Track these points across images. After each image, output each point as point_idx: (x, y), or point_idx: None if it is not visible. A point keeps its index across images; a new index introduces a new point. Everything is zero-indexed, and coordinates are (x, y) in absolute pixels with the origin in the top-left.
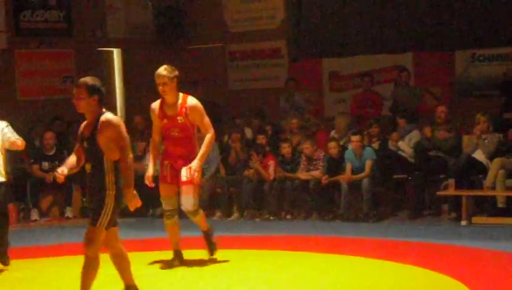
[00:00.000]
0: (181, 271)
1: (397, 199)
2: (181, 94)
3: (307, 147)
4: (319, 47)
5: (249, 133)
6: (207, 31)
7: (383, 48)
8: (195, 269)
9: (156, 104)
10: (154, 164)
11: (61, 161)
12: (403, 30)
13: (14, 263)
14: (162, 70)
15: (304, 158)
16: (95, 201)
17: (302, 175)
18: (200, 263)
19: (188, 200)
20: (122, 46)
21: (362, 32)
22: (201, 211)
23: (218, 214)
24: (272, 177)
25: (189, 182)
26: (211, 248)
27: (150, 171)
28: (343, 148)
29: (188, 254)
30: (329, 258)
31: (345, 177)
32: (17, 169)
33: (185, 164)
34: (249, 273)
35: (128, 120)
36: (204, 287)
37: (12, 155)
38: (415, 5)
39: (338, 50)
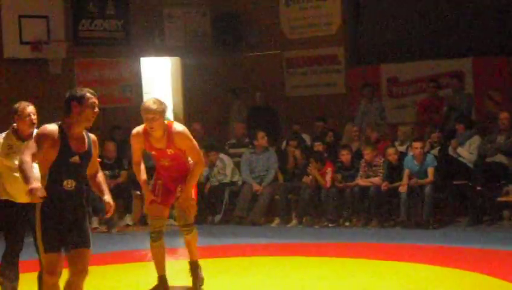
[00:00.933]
0: (244, 279)
1: (457, 205)
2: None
3: (367, 153)
4: (377, 53)
5: (307, 139)
6: (264, 38)
7: (442, 53)
8: (256, 277)
9: (139, 133)
10: (148, 189)
11: (121, 169)
12: (462, 35)
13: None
14: (151, 104)
15: (363, 164)
16: (82, 220)
17: (361, 181)
18: (260, 270)
19: (184, 213)
20: (180, 54)
21: (421, 37)
22: (195, 231)
23: (276, 221)
24: (329, 185)
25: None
26: (198, 282)
27: (149, 196)
28: (403, 154)
29: (245, 261)
30: (389, 265)
31: (402, 189)
32: None
33: (180, 183)
34: (308, 281)
35: (187, 128)
36: None
37: None
38: (474, 10)
39: (396, 55)
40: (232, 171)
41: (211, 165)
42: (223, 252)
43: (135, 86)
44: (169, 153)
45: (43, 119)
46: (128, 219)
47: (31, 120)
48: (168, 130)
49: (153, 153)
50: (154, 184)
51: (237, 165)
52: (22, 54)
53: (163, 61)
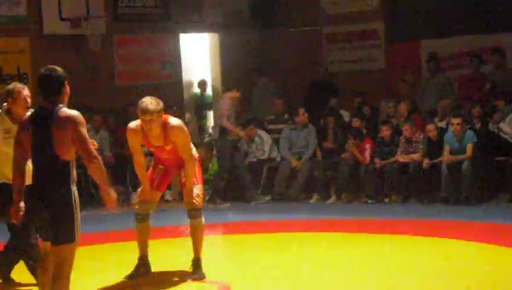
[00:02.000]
0: (283, 254)
1: (498, 181)
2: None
3: (406, 129)
4: (417, 28)
5: (346, 115)
6: (303, 14)
7: (483, 28)
8: (296, 252)
9: (137, 129)
10: (147, 183)
11: None
12: (504, 10)
13: (116, 246)
14: (148, 105)
15: (402, 140)
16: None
17: (401, 158)
18: (300, 247)
19: (191, 199)
20: (218, 30)
21: (461, 12)
22: (202, 220)
23: (315, 197)
24: (367, 161)
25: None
26: (198, 276)
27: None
28: (442, 130)
29: (285, 237)
30: (429, 241)
31: (444, 159)
32: (118, 153)
33: (182, 168)
34: (347, 258)
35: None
36: (306, 268)
37: (113, 140)
38: None
39: (436, 31)
40: (270, 148)
41: (249, 141)
42: (262, 228)
43: (174, 62)
44: (168, 149)
45: (81, 96)
46: (168, 195)
47: (27, 104)
48: (164, 126)
49: (152, 149)
50: (153, 167)
51: (276, 141)
52: (61, 31)
53: (201, 38)
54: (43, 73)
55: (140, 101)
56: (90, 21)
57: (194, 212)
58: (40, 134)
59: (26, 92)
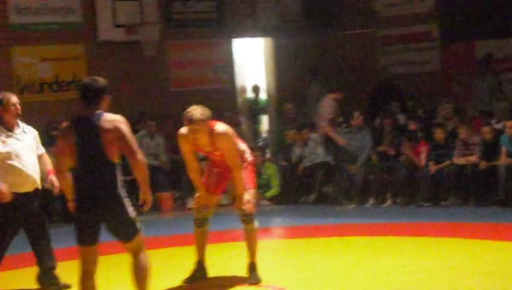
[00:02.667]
0: (339, 258)
1: None
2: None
3: (462, 132)
4: (472, 29)
5: (401, 118)
6: (357, 17)
7: None
8: (352, 257)
9: (187, 135)
10: (203, 188)
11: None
12: None
13: (170, 251)
14: (194, 114)
15: (459, 143)
16: None
17: (457, 160)
18: (356, 251)
19: (244, 204)
20: (272, 35)
21: None
22: (255, 225)
23: (371, 201)
24: (423, 164)
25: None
26: (254, 280)
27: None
28: (499, 132)
29: (341, 241)
30: (487, 244)
31: (501, 162)
32: (173, 158)
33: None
34: (403, 261)
35: (279, 108)
36: (363, 272)
37: (169, 145)
38: None
39: (492, 32)
40: (324, 151)
41: (303, 145)
42: (317, 232)
43: (227, 67)
44: (217, 154)
45: (137, 101)
46: (224, 199)
47: (17, 110)
48: (210, 133)
49: (203, 153)
50: (208, 171)
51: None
52: (116, 37)
53: (255, 42)
54: (85, 82)
55: (186, 111)
56: (144, 27)
57: (245, 218)
58: (88, 140)
59: (15, 99)
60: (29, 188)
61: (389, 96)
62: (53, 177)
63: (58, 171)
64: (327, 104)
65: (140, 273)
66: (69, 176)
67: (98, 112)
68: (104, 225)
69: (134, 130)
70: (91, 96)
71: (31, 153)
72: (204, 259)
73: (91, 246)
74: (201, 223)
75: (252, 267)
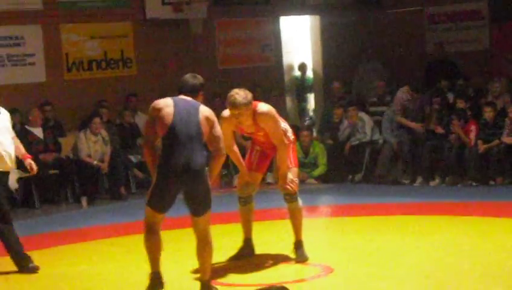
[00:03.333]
0: (384, 236)
1: None
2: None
3: (511, 111)
4: None
5: (451, 97)
6: None
7: None
8: (399, 235)
9: (230, 117)
10: (244, 166)
11: None
12: None
13: (220, 228)
14: (237, 98)
15: (508, 122)
16: None
17: (507, 140)
18: (403, 229)
19: (287, 183)
20: (319, 13)
21: None
22: (299, 203)
23: (419, 180)
24: (472, 143)
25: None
26: (301, 257)
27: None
28: None
29: (388, 220)
30: None
31: None
32: None
33: (273, 152)
34: (451, 241)
35: (326, 86)
36: (409, 251)
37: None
38: None
39: None
40: (372, 130)
41: (351, 124)
42: (363, 211)
43: (274, 45)
44: (261, 135)
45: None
46: (269, 177)
47: None
48: (253, 113)
49: (247, 134)
50: (251, 149)
51: (378, 123)
52: (163, 15)
53: (302, 20)
54: (185, 78)
55: (228, 95)
56: (191, 5)
57: (288, 197)
58: (188, 116)
59: None
60: (4, 168)
61: (443, 73)
62: (31, 161)
63: (147, 141)
64: (400, 96)
65: (205, 247)
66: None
67: (197, 102)
68: (185, 194)
69: None
70: (189, 91)
71: (7, 133)
72: (251, 236)
73: (163, 213)
74: (245, 201)
75: (298, 245)
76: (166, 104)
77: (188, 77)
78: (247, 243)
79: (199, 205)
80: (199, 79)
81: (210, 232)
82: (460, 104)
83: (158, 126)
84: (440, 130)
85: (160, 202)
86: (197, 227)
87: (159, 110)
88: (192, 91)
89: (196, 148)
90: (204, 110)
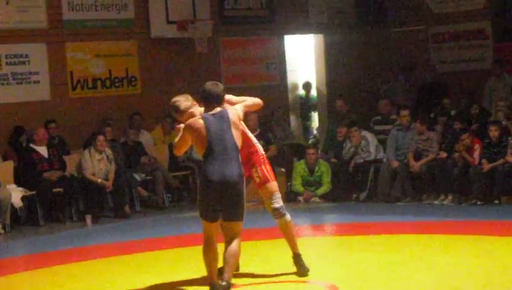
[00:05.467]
0: (388, 255)
1: None
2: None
3: None
4: None
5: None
6: (409, 13)
7: None
8: (404, 254)
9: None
10: None
11: (269, 143)
12: None
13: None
14: (180, 104)
15: (511, 141)
16: None
17: (511, 158)
18: (407, 248)
19: (269, 198)
20: (323, 31)
21: None
22: (288, 218)
23: (423, 198)
24: (476, 162)
25: (265, 180)
26: (302, 270)
27: None
28: None
29: (392, 238)
30: None
31: None
32: None
33: (249, 170)
34: (455, 260)
35: (330, 105)
36: (413, 270)
37: None
38: None
39: None
40: (376, 149)
41: (355, 142)
42: (368, 230)
43: (279, 64)
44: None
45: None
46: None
47: None
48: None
49: None
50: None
51: (383, 142)
52: (168, 33)
53: (306, 39)
54: (208, 88)
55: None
56: (196, 24)
57: (276, 213)
58: (222, 130)
59: None
60: None
61: (436, 94)
62: None
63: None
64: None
65: (232, 256)
66: None
67: (224, 109)
68: (222, 203)
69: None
70: (214, 100)
71: None
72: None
73: (214, 222)
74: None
75: (297, 258)
76: (200, 128)
77: (211, 86)
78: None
79: (233, 211)
80: (221, 87)
81: (239, 242)
82: (456, 125)
83: (196, 147)
84: (443, 155)
85: (207, 212)
86: (227, 233)
87: (192, 133)
88: (217, 101)
89: (232, 159)
90: (232, 116)
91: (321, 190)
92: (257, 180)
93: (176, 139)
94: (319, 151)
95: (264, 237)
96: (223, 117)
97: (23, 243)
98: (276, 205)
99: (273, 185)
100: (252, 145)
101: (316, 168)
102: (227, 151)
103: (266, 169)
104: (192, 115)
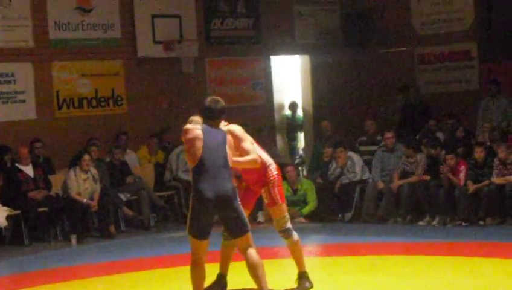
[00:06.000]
0: (374, 277)
1: None
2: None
3: (501, 151)
4: (511, 49)
5: (440, 137)
6: (395, 35)
7: None
8: (385, 276)
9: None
10: None
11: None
12: None
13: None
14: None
15: (497, 162)
16: None
17: (496, 180)
18: (391, 269)
19: (277, 218)
20: (310, 52)
21: None
22: (295, 238)
23: (408, 219)
24: (462, 183)
25: (272, 203)
26: (302, 287)
27: None
28: None
29: (377, 260)
30: None
31: None
32: None
33: (263, 186)
34: (444, 280)
35: (316, 125)
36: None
37: None
38: None
39: None
40: (362, 169)
41: (341, 163)
42: (353, 251)
43: (265, 84)
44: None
45: (175, 117)
46: (260, 216)
47: None
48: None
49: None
50: (237, 187)
51: (368, 162)
52: (155, 53)
53: (293, 59)
54: (209, 105)
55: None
56: (183, 44)
57: (284, 233)
58: (218, 145)
59: None
60: None
61: (418, 116)
62: None
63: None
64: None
65: (254, 266)
66: None
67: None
68: (221, 220)
69: (171, 147)
70: (214, 116)
71: None
72: (226, 273)
73: (203, 240)
74: (226, 237)
75: (302, 276)
76: (197, 137)
77: (211, 102)
78: (220, 279)
79: (234, 228)
80: (221, 103)
81: (253, 250)
82: (429, 151)
83: (188, 156)
84: (426, 177)
85: (197, 229)
86: (240, 247)
87: (189, 141)
88: (218, 117)
89: (224, 177)
90: (229, 138)
91: (306, 209)
92: (265, 201)
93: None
94: (305, 172)
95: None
96: (221, 134)
97: (7, 263)
98: (284, 227)
99: (282, 207)
100: (264, 165)
101: (299, 186)
102: (220, 169)
103: (275, 191)
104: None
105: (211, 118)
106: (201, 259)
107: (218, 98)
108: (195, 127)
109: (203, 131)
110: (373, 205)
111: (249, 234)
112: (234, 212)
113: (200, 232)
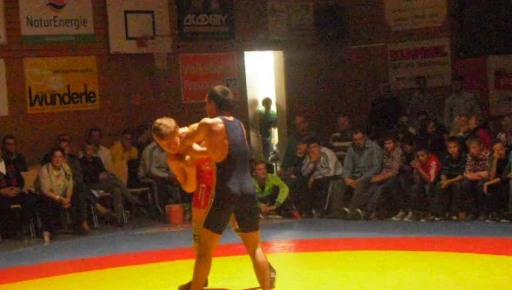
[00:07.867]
0: (347, 272)
1: None
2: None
3: (473, 147)
4: (484, 44)
5: (413, 132)
6: (368, 31)
7: None
8: (363, 269)
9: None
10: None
11: None
12: None
13: (178, 264)
14: (162, 128)
15: (469, 158)
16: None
17: (469, 175)
18: (364, 264)
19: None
20: (283, 48)
21: None
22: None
23: (383, 215)
24: (433, 179)
25: (204, 205)
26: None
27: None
28: (509, 148)
29: (351, 255)
30: (498, 259)
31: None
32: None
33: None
34: (416, 275)
35: (290, 121)
36: (372, 287)
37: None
38: None
39: (504, 46)
40: (335, 165)
41: (315, 159)
42: (327, 246)
43: (238, 80)
44: (206, 164)
45: (147, 113)
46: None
47: None
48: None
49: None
50: (197, 188)
51: (342, 158)
52: (128, 49)
53: (266, 55)
54: (222, 95)
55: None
56: (156, 40)
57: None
58: (241, 139)
59: None
60: None
61: (389, 111)
62: None
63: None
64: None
65: (262, 267)
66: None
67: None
68: (235, 213)
69: (142, 143)
70: (226, 106)
71: None
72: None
73: (220, 234)
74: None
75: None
76: (218, 129)
77: (224, 93)
78: None
79: (250, 222)
80: (231, 94)
81: (261, 251)
82: (389, 144)
83: (213, 151)
84: (407, 168)
85: (216, 223)
86: (248, 243)
87: (210, 135)
88: (229, 108)
89: (247, 171)
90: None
91: (281, 196)
92: (198, 200)
93: (187, 142)
94: (279, 168)
95: (227, 253)
96: (240, 126)
97: None
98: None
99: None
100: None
101: (266, 182)
102: (246, 163)
103: (208, 194)
104: (175, 141)
105: (228, 109)
106: (210, 252)
107: (227, 89)
108: (216, 120)
109: (225, 124)
110: (342, 201)
111: (259, 230)
112: (255, 208)
113: (219, 227)
